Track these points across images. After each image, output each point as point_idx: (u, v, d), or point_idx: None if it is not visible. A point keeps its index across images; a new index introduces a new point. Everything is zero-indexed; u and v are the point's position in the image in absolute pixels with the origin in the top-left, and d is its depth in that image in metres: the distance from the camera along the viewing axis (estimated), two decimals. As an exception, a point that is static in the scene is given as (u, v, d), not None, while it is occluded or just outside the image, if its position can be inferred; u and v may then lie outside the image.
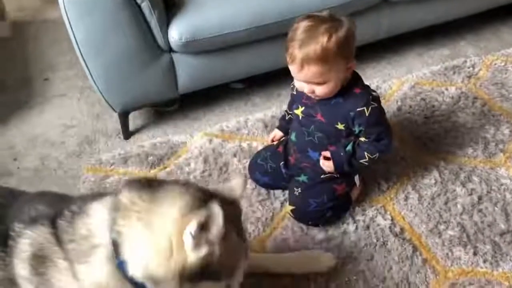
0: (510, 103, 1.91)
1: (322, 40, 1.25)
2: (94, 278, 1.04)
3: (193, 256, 0.94)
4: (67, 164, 1.86)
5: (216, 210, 0.94)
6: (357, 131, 1.41)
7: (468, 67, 2.11)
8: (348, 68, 1.33)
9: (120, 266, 1.00)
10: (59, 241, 1.07)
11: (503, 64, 2.11)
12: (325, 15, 1.30)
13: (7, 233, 1.12)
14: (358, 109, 1.36)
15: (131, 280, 1.00)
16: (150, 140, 1.91)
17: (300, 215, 1.52)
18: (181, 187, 1.02)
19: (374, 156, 1.42)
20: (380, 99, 1.43)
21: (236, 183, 1.08)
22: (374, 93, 1.40)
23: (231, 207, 1.04)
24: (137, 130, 1.99)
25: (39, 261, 1.08)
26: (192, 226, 0.92)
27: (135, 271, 0.98)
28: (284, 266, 1.40)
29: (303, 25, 1.28)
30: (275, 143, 1.67)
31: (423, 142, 1.77)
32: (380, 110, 1.41)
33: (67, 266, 1.06)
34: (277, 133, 1.67)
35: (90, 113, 2.09)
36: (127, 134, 1.95)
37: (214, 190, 1.07)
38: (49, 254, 1.08)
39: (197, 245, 0.93)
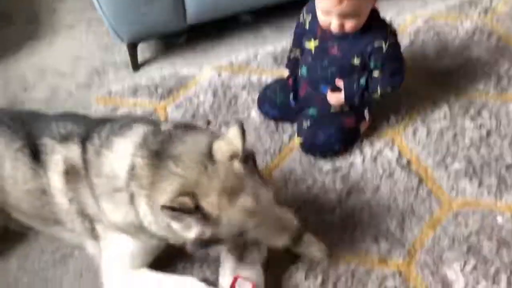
0: (526, 38, 1.87)
1: None
2: (120, 218, 1.12)
3: (187, 236, 1.02)
4: (77, 95, 1.87)
5: (190, 198, 0.98)
6: (372, 66, 1.40)
7: (486, 1, 2.04)
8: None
9: (137, 213, 1.09)
10: (86, 168, 1.14)
11: (522, -2, 2.03)
12: None
13: (37, 147, 1.18)
14: (376, 44, 1.35)
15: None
16: (159, 72, 1.90)
17: (308, 147, 1.53)
18: (176, 167, 1.04)
19: (386, 91, 1.43)
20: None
21: (233, 134, 1.06)
22: (392, 27, 1.39)
23: (227, 170, 1.04)
24: (146, 62, 1.98)
25: (72, 177, 1.16)
26: (170, 215, 0.99)
27: (153, 228, 1.09)
28: None
29: None
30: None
31: (434, 77, 1.75)
32: (397, 45, 1.40)
33: (92, 196, 1.12)
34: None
35: (99, 45, 2.07)
36: (136, 65, 1.94)
37: (211, 153, 1.05)
38: (79, 174, 1.14)
39: (185, 229, 1.01)
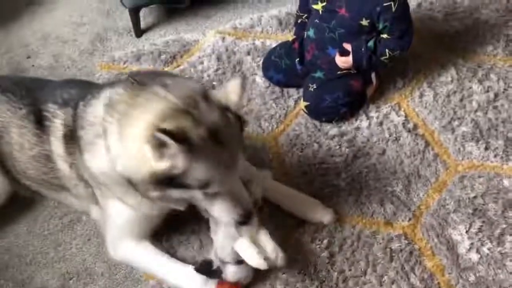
0: (537, -1, 1.82)
1: None
2: (98, 167, 1.08)
3: (156, 166, 0.93)
4: (80, 61, 1.85)
5: (176, 127, 0.90)
6: (380, 27, 1.38)
7: (496, -39, 1.98)
8: None
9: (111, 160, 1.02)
10: (76, 126, 1.12)
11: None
12: None
13: (41, 113, 1.18)
14: (385, 4, 1.33)
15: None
16: (162, 38, 1.88)
17: (314, 111, 1.52)
18: (165, 92, 0.97)
19: (395, 53, 1.41)
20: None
21: (232, 87, 1.00)
22: None
23: (219, 116, 0.97)
24: (149, 28, 1.95)
25: (70, 141, 1.14)
26: (150, 139, 0.91)
27: (119, 167, 1.01)
28: (286, 203, 1.33)
29: None
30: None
31: (442, 39, 1.73)
32: (406, 6, 1.38)
33: (80, 153, 1.11)
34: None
35: (100, 11, 2.04)
36: (139, 31, 1.91)
37: (207, 96, 0.99)
38: (73, 137, 1.13)
39: (158, 158, 0.92)
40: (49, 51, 1.90)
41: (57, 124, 1.17)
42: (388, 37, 1.39)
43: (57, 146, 1.17)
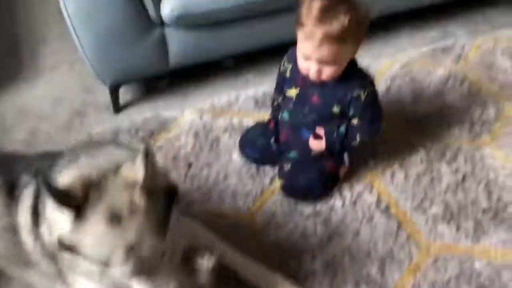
0: (497, 85, 1.94)
1: (344, 20, 1.24)
2: (47, 240, 1.07)
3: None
4: (57, 137, 1.86)
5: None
6: (351, 114, 1.44)
7: (457, 49, 2.12)
8: (357, 49, 1.35)
9: None
10: (40, 197, 1.10)
11: (491, 46, 2.13)
12: None
13: (14, 184, 1.17)
14: (355, 93, 1.39)
15: None
16: (140, 114, 1.91)
17: (289, 190, 1.55)
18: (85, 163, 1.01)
19: (365, 139, 1.47)
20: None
21: (139, 163, 0.93)
22: (370, 77, 1.44)
23: (123, 195, 0.94)
24: (128, 104, 1.99)
25: (36, 212, 1.11)
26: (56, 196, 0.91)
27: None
28: (250, 276, 1.33)
29: (320, 3, 1.25)
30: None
31: (410, 121, 1.80)
32: (375, 95, 1.44)
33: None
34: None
35: (80, 87, 2.08)
36: (118, 108, 1.95)
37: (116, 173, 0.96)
38: (41, 206, 1.11)
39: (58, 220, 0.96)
40: (25, 126, 1.90)
41: (27, 194, 1.15)
42: (359, 123, 1.44)
43: (23, 216, 1.14)
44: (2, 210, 1.17)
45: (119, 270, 0.97)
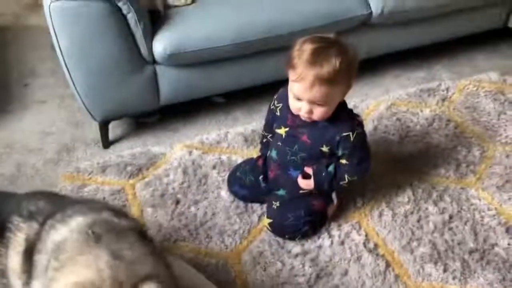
0: (481, 126, 1.99)
1: (335, 62, 1.27)
2: None
3: None
4: (44, 171, 1.84)
5: None
6: (340, 154, 1.46)
7: (442, 90, 2.18)
8: (347, 91, 1.38)
9: None
10: (35, 246, 1.07)
11: (475, 89, 2.19)
12: (331, 37, 1.34)
13: (4, 225, 1.13)
14: (344, 134, 1.41)
15: None
16: (129, 150, 1.91)
17: (277, 228, 1.54)
18: (105, 266, 0.94)
19: (353, 178, 1.48)
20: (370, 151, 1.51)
21: None
22: (358, 118, 1.46)
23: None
24: (117, 140, 1.99)
25: (28, 259, 1.08)
26: None
27: None
28: None
29: (312, 46, 1.30)
30: (254, 157, 1.70)
31: (397, 161, 1.83)
32: (364, 135, 1.47)
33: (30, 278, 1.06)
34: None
35: (69, 121, 2.08)
36: (107, 143, 1.95)
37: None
38: (34, 254, 1.08)
39: None
40: (12, 160, 1.89)
41: (19, 238, 1.11)
42: (347, 163, 1.46)
43: (13, 261, 1.11)
44: None
45: None
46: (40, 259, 1.04)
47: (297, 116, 1.42)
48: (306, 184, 1.51)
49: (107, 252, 0.97)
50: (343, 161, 1.46)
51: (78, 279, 0.92)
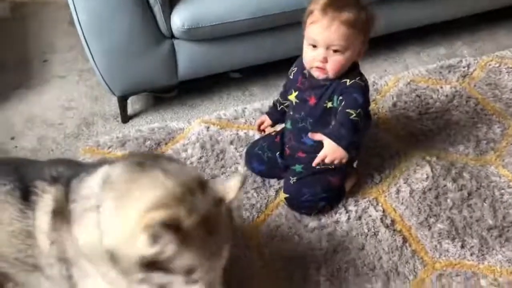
0: (502, 103, 1.95)
1: (354, 9, 1.31)
2: (86, 239, 1.07)
3: (146, 252, 0.94)
4: (64, 145, 1.87)
5: (171, 217, 0.92)
6: (338, 101, 1.40)
7: (463, 67, 2.15)
8: (360, 50, 1.38)
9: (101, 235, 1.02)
10: (67, 201, 1.12)
11: (497, 65, 2.15)
12: None
13: (28, 189, 1.17)
14: (343, 81, 1.40)
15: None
16: (148, 125, 1.93)
17: (293, 203, 1.55)
18: (165, 177, 1.00)
19: (357, 111, 1.35)
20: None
21: (233, 185, 1.03)
22: (363, 77, 1.44)
23: (212, 206, 0.99)
24: (135, 115, 2.01)
25: (57, 217, 1.12)
26: (145, 229, 0.92)
27: (105, 243, 1.01)
28: None
29: None
30: (272, 133, 1.70)
31: (416, 138, 1.81)
32: (364, 87, 1.41)
33: (69, 227, 1.10)
34: (266, 120, 1.67)
35: (89, 96, 2.10)
36: (126, 118, 1.96)
37: (203, 185, 1.01)
38: (63, 212, 1.12)
39: (150, 245, 0.93)
40: (33, 134, 1.92)
41: (47, 199, 1.15)
42: (343, 99, 1.39)
43: (42, 221, 1.15)
44: (16, 214, 1.18)
45: (202, 276, 1.01)
46: (76, 206, 1.09)
47: (307, 78, 1.44)
48: (317, 136, 1.42)
49: (159, 171, 1.01)
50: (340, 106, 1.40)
51: (153, 200, 0.96)
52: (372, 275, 1.38)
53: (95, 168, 1.15)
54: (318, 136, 1.42)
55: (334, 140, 1.35)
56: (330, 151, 1.36)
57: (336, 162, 1.37)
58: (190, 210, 0.96)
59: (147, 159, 1.10)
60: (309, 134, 1.47)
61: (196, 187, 1.00)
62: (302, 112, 1.48)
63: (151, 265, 0.97)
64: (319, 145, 1.44)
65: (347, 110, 1.36)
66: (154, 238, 0.93)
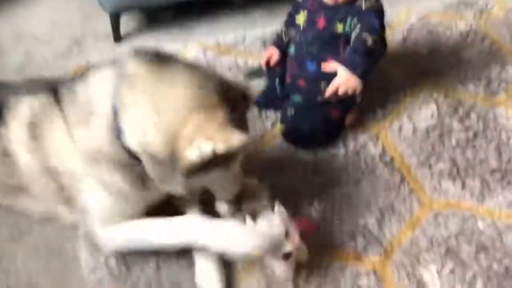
0: (519, 44, 1.84)
1: None
2: (92, 144, 1.04)
3: (194, 158, 0.93)
4: (53, 63, 1.78)
5: (236, 139, 0.93)
6: (351, 26, 1.35)
7: (482, 4, 2.00)
8: None
9: (118, 135, 0.99)
10: (58, 103, 1.08)
11: (517, 5, 2.01)
12: None
13: (1, 107, 1.13)
14: (357, 4, 1.35)
15: (128, 150, 0.99)
16: (141, 45, 1.82)
17: (291, 136, 1.49)
18: (192, 72, 0.99)
19: (373, 36, 1.31)
20: (386, 27, 1.40)
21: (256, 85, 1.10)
22: (380, 3, 1.38)
23: (241, 102, 1.04)
24: (129, 34, 1.90)
25: (37, 123, 1.09)
26: (204, 148, 0.92)
27: (132, 141, 0.97)
28: None
29: None
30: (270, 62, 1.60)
31: (425, 74, 1.70)
32: (378, 9, 1.36)
33: (64, 128, 1.07)
34: (274, 54, 1.56)
35: (80, 13, 1.98)
36: (118, 37, 1.86)
37: (225, 82, 1.02)
38: (48, 115, 1.08)
39: (201, 156, 0.93)
40: (22, 49, 1.82)
41: (21, 109, 1.11)
42: (358, 25, 1.34)
43: (18, 132, 1.10)
44: None
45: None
46: (76, 111, 1.06)
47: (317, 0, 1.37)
48: (330, 67, 1.36)
49: (182, 66, 1.02)
50: (357, 29, 1.34)
51: (191, 98, 0.96)
52: (366, 211, 1.33)
53: (85, 75, 1.09)
54: (331, 66, 1.35)
55: (349, 68, 1.30)
56: (344, 80, 1.31)
57: (349, 92, 1.32)
58: (230, 107, 0.97)
59: (159, 53, 1.05)
60: (322, 65, 1.38)
61: (224, 82, 1.00)
62: (309, 35, 1.41)
63: (195, 168, 0.96)
64: (323, 74, 1.38)
65: (363, 36, 1.31)
66: (203, 154, 0.93)
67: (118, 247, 1.14)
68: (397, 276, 1.20)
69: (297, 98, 1.49)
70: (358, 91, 1.33)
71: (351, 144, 1.49)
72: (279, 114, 1.56)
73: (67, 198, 1.14)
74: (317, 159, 1.46)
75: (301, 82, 1.47)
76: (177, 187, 1.03)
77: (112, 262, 1.19)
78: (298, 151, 1.48)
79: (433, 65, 1.75)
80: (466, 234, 1.28)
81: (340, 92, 1.32)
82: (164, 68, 0.99)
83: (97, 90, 1.04)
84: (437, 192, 1.38)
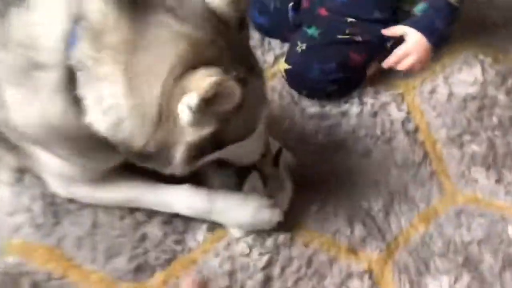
0: None
1: None
2: (29, 118, 0.80)
3: (192, 132, 0.74)
4: None
5: (231, 85, 0.70)
6: None
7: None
8: None
9: (73, 102, 0.75)
10: None
11: None
12: None
13: None
14: None
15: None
16: None
17: (295, 79, 1.23)
18: (175, 21, 0.73)
19: None
20: None
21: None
22: None
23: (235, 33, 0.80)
24: None
25: None
26: (191, 99, 0.69)
27: (99, 125, 0.74)
28: None
29: None
30: None
31: (473, 30, 1.41)
32: None
33: None
34: None
35: None
36: None
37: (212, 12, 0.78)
38: None
39: (198, 121, 0.72)
40: None
41: None
42: None
43: None
44: None
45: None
46: (7, 55, 0.78)
47: None
48: (395, 31, 1.18)
49: (162, 13, 0.73)
50: None
51: (178, 63, 0.72)
52: (372, 192, 1.09)
53: None
54: (397, 30, 1.18)
55: (425, 33, 1.14)
56: (416, 49, 1.16)
57: (419, 66, 1.18)
58: (228, 57, 0.75)
59: None
60: (383, 31, 1.19)
61: (214, 16, 0.76)
62: None
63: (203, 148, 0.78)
64: (353, 8, 1.19)
65: None
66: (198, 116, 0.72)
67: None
68: (398, 282, 0.97)
69: (312, 30, 1.22)
70: (426, 66, 1.21)
71: (368, 102, 1.24)
72: (285, 48, 1.29)
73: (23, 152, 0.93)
74: (323, 114, 1.20)
75: (322, 12, 1.22)
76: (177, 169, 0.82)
77: (37, 207, 0.94)
78: (302, 100, 1.23)
79: (487, 19, 1.44)
80: (493, 242, 1.04)
81: (409, 63, 1.16)
82: (141, 19, 0.72)
83: (44, 32, 0.75)
84: (465, 181, 1.14)
